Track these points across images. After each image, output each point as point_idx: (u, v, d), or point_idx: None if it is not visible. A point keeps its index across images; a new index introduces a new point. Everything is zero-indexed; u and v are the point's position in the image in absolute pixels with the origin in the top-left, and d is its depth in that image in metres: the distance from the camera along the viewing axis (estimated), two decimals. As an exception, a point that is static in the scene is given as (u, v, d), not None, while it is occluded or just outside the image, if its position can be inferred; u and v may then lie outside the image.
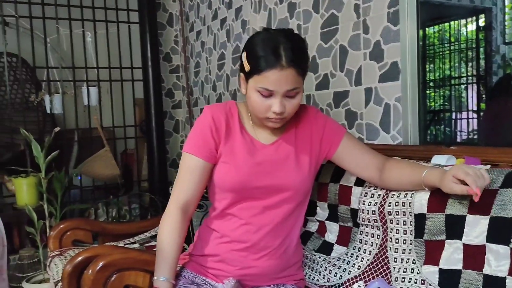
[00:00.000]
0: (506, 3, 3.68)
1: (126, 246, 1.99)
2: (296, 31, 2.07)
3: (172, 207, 1.25)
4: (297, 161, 1.27)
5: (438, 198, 1.11)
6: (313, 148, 1.30)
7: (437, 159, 1.26)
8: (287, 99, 1.17)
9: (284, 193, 1.25)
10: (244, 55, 1.20)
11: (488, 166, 1.10)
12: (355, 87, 1.80)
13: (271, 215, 1.25)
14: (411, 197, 1.18)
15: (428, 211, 1.13)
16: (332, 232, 1.45)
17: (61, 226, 2.04)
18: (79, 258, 1.49)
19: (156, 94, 3.13)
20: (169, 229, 1.22)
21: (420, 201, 1.15)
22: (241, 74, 1.24)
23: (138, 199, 3.22)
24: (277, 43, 1.13)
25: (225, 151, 1.25)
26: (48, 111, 2.91)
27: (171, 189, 2.22)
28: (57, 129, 2.47)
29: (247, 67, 1.18)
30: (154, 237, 2.09)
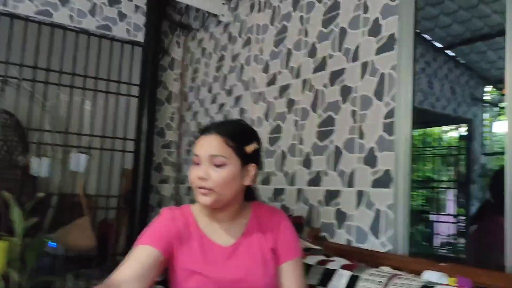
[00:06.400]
0: (485, 116, 3.91)
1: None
2: (293, 126, 2.17)
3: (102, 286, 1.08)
4: (263, 261, 1.24)
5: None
6: (275, 246, 1.28)
7: (429, 275, 1.27)
8: (213, 167, 1.19)
9: None
10: None
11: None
12: (347, 188, 1.84)
13: None
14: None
15: (419, 331, 1.11)
16: None
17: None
18: None
19: (145, 167, 3.13)
20: None
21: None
22: None
23: (110, 273, 3.07)
24: (215, 121, 1.27)
25: (182, 255, 1.21)
26: (35, 174, 2.86)
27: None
28: (41, 194, 2.42)
29: None
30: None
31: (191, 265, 1.21)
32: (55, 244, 2.88)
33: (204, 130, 1.26)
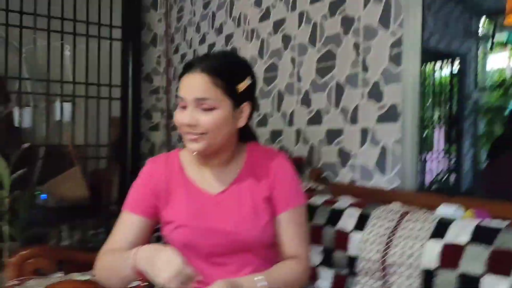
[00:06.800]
0: (479, 51, 3.81)
1: (93, 279, 1.83)
2: (290, 64, 2.05)
3: (101, 253, 1.13)
4: (253, 211, 1.12)
5: (452, 252, 1.05)
6: (270, 194, 1.15)
7: (444, 209, 1.21)
8: (201, 112, 1.05)
9: (242, 250, 1.11)
10: None
11: (505, 223, 1.05)
12: (350, 126, 1.75)
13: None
14: (420, 247, 1.11)
15: (439, 266, 1.06)
16: (325, 279, 1.36)
17: (22, 253, 1.86)
18: (44, 296, 1.34)
19: (134, 114, 3.01)
20: (106, 258, 1.09)
21: (431, 254, 1.09)
22: None
23: (105, 223, 3.03)
24: (200, 55, 1.10)
25: (167, 209, 1.15)
26: (16, 125, 2.73)
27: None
28: (26, 145, 2.30)
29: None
30: (125, 270, 1.93)
31: (177, 218, 1.13)
32: (45, 195, 2.80)
33: (188, 67, 1.08)
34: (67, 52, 2.88)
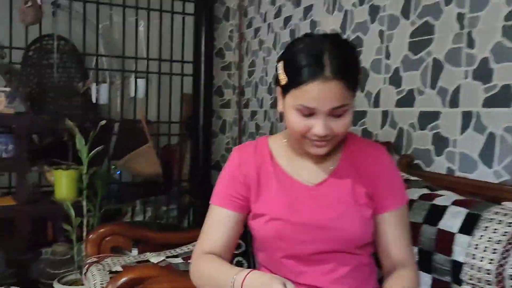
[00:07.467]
0: None
1: (168, 259, 1.81)
2: (377, 38, 1.85)
3: (198, 254, 1.09)
4: (356, 205, 1.03)
5: None
6: (373, 191, 1.06)
7: None
8: (333, 118, 0.95)
9: (339, 247, 1.02)
10: (280, 65, 0.99)
11: None
12: (449, 109, 1.55)
13: (329, 279, 1.02)
14: (547, 263, 0.94)
15: None
16: (423, 285, 1.21)
17: (101, 230, 1.89)
18: (123, 280, 1.33)
19: (206, 91, 2.95)
20: (205, 265, 1.04)
21: (563, 272, 0.91)
22: (278, 88, 1.02)
23: (177, 199, 3.05)
24: (320, 50, 0.92)
25: (258, 201, 1.07)
26: (94, 101, 2.77)
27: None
28: (103, 122, 2.31)
29: (283, 80, 0.97)
30: (200, 253, 1.90)
31: (269, 210, 1.04)
32: (120, 171, 2.85)
33: (318, 73, 0.91)
34: (141, 28, 2.86)
